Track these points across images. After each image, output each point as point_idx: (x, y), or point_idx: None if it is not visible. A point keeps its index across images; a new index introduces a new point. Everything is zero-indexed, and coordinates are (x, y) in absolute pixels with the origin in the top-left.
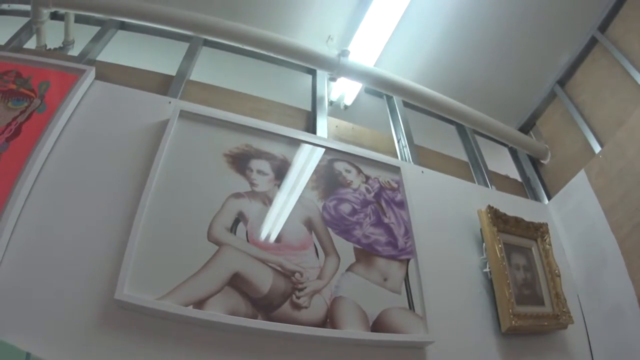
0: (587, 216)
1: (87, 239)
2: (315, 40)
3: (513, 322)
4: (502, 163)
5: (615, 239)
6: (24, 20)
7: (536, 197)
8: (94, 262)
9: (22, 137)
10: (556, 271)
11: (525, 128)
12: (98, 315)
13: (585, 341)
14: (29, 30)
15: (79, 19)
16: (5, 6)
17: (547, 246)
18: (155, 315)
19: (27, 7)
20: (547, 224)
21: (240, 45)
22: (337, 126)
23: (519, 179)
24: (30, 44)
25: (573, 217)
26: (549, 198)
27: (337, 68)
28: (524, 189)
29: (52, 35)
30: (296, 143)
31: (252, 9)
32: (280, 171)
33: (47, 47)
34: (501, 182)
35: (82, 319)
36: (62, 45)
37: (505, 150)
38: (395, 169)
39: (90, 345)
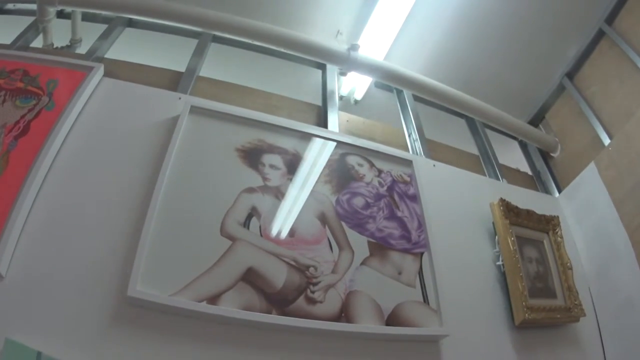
0: (597, 208)
1: (99, 236)
2: (325, 35)
3: (526, 315)
4: (512, 156)
5: (626, 231)
6: (30, 19)
7: (547, 190)
8: (106, 259)
9: (31, 134)
10: (568, 264)
11: (535, 121)
12: (110, 312)
13: (596, 334)
14: (35, 29)
15: (85, 17)
16: (10, 5)
17: (559, 239)
18: (169, 312)
19: (33, 6)
20: (558, 217)
21: (249, 41)
22: (348, 120)
23: (530, 172)
24: (37, 43)
25: (583, 210)
26: (560, 191)
27: (347, 62)
28: (535, 182)
29: (59, 34)
30: (308, 137)
31: (261, 4)
32: (293, 165)
33: (54, 46)
34: (512, 176)
35: (95, 316)
36: (69, 44)
37: (515, 144)
38: (408, 163)
39: (103, 343)
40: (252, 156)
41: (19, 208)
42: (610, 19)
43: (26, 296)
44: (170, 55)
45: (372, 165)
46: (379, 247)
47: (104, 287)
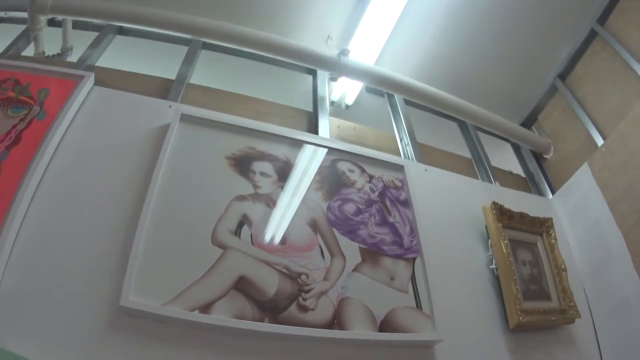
0: (591, 210)
1: (90, 246)
2: (315, 40)
3: (521, 318)
4: (505, 159)
5: (620, 232)
6: (21, 27)
7: (540, 192)
8: (98, 270)
9: (23, 144)
10: (562, 266)
11: (527, 123)
12: (103, 322)
13: (592, 335)
14: (26, 37)
15: (76, 25)
16: (1, 14)
17: (553, 241)
18: (161, 321)
19: (24, 15)
20: (552, 219)
21: (239, 47)
22: (339, 126)
23: (523, 174)
24: (28, 51)
25: (577, 211)
26: (553, 193)
27: (337, 68)
28: (528, 184)
29: (50, 42)
30: (299, 144)
31: (250, 10)
32: (284, 172)
33: (45, 54)
34: (505, 178)
35: (87, 326)
36: (60, 52)
37: (508, 146)
38: (399, 168)
39: (96, 353)
40: (242, 164)
41: (11, 218)
42: (602, 19)
43: (19, 306)
44: (161, 63)
45: (363, 171)
46: (371, 253)
47: (97, 296)
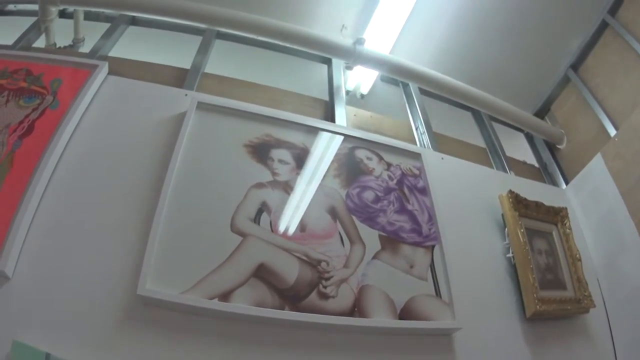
0: (604, 200)
1: (107, 235)
2: (330, 29)
3: (538, 307)
4: (518, 149)
5: (634, 222)
6: (32, 20)
7: (554, 182)
8: (115, 259)
9: (36, 134)
10: (577, 255)
11: (541, 113)
12: (120, 312)
13: (606, 324)
14: (37, 29)
15: (88, 16)
16: (11, 6)
17: (568, 230)
18: (180, 310)
19: (35, 7)
20: (566, 209)
21: (254, 36)
22: (355, 115)
23: (536, 165)
24: (39, 43)
25: (591, 201)
26: (567, 183)
27: (353, 56)
28: (541, 174)
29: (61, 33)
30: (316, 131)
31: None
32: (302, 160)
33: (57, 46)
34: (519, 168)
35: (104, 316)
36: (72, 44)
37: (521, 136)
38: (416, 156)
39: (113, 344)
40: (260, 151)
41: (25, 207)
42: (613, 10)
43: (33, 297)
44: (175, 53)
45: (381, 158)
46: (390, 240)
47: (113, 286)
